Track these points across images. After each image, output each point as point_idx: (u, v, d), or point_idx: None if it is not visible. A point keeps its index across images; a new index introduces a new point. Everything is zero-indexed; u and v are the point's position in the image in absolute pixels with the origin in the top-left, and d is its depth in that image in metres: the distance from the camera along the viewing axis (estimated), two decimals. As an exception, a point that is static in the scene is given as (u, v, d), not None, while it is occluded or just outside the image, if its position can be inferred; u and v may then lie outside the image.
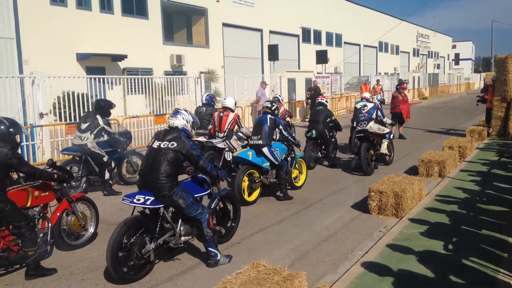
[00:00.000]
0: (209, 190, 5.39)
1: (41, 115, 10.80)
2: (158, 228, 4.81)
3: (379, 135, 10.02)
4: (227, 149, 9.01)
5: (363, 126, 9.97)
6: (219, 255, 4.96)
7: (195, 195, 5.07)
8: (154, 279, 4.77)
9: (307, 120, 15.34)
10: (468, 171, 9.31)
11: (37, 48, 16.06)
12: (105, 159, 8.15)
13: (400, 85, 16.05)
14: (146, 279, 4.75)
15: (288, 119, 12.30)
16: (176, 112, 5.11)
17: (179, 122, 5.01)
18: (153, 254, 4.74)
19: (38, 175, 4.95)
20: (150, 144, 5.00)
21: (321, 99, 11.22)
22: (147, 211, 4.93)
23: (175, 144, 4.78)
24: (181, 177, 5.14)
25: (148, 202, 4.70)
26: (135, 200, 4.69)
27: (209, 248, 4.93)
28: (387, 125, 10.51)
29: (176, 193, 4.75)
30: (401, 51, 51.97)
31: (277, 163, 7.69)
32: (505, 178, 8.54)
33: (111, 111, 8.57)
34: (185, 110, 5.17)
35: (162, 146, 4.81)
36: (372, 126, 9.99)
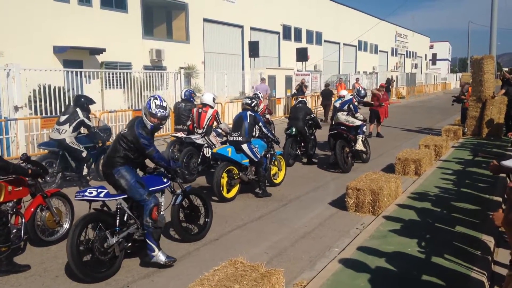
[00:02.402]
0: (168, 183, 5.26)
1: (16, 108, 10.55)
2: (118, 222, 4.72)
3: (350, 128, 10.07)
4: (206, 145, 8.96)
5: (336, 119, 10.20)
6: (156, 250, 4.76)
7: (152, 188, 4.98)
8: (130, 276, 4.72)
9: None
10: (444, 169, 9.48)
11: (13, 40, 15.69)
12: (84, 154, 8.02)
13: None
14: (122, 275, 4.70)
15: (267, 116, 12.31)
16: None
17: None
18: (117, 248, 4.65)
19: (11, 170, 4.83)
20: None
21: (301, 99, 11.30)
22: (105, 208, 4.85)
23: (126, 130, 4.90)
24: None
25: (101, 195, 4.63)
26: (87, 194, 4.59)
27: (147, 240, 4.77)
28: (358, 120, 10.39)
29: (118, 171, 4.76)
30: (379, 51, 52.56)
31: (256, 160, 7.69)
32: (479, 177, 8.72)
33: (90, 107, 8.47)
34: (157, 98, 4.98)
35: (122, 132, 4.96)
36: (340, 116, 10.12)
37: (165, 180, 5.23)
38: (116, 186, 4.85)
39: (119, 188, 4.84)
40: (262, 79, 19.28)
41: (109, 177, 4.86)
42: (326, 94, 20.57)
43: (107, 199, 4.70)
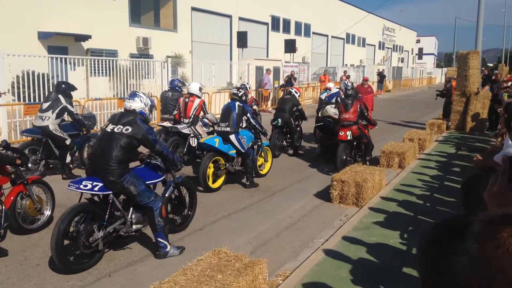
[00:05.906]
0: (163, 177, 5.21)
1: (-2, 94, 10.36)
2: (107, 216, 4.56)
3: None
4: (192, 135, 8.92)
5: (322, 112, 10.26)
6: (168, 246, 4.77)
7: (148, 182, 4.89)
8: (112, 265, 4.69)
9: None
10: (427, 162, 9.59)
11: (-5, 24, 15.35)
12: (67, 142, 7.91)
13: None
14: (105, 265, 4.67)
15: (255, 107, 12.29)
16: (134, 95, 4.88)
17: (137, 105, 4.79)
18: (101, 243, 4.50)
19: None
20: (104, 127, 4.79)
21: (290, 89, 11.29)
22: (96, 198, 4.69)
23: (130, 129, 4.55)
24: (134, 164, 5.00)
25: (96, 188, 4.45)
26: (81, 186, 4.43)
27: (159, 239, 4.73)
28: None
29: (127, 179, 4.53)
30: (367, 44, 52.65)
31: (243, 151, 7.67)
32: (461, 170, 8.84)
33: (73, 93, 8.36)
34: (144, 94, 5.01)
35: (115, 130, 4.57)
36: (329, 110, 10.18)
37: (160, 173, 5.15)
38: (122, 191, 4.64)
39: (125, 194, 4.68)
40: (267, 70, 19.95)
41: (114, 185, 4.51)
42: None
43: (101, 193, 4.53)
